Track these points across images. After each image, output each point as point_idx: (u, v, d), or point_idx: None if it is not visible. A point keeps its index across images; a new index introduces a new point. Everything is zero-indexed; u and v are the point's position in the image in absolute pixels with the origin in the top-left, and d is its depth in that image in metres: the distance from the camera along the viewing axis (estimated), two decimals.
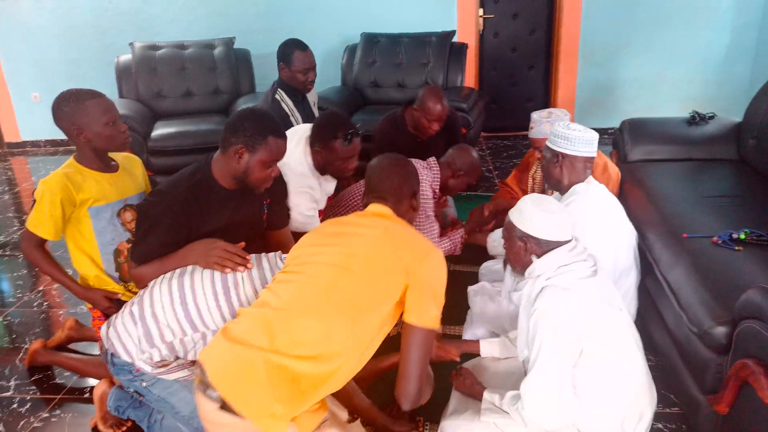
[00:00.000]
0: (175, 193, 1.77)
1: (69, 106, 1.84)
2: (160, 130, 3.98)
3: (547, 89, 5.32)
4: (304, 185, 2.29)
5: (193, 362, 1.66)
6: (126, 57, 4.37)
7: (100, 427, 1.91)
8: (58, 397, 2.11)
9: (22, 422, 2.02)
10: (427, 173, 2.64)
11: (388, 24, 4.79)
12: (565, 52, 5.03)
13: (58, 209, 1.86)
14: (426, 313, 1.45)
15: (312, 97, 3.46)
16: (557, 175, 2.05)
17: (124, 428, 1.91)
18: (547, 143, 2.07)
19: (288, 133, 2.07)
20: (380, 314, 1.45)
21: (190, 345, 1.61)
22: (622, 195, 2.76)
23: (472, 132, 3.98)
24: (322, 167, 2.34)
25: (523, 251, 1.61)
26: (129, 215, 2.03)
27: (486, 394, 1.62)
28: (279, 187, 2.06)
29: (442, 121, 3.00)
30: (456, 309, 2.35)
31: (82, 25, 5.13)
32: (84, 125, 1.85)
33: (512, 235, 1.63)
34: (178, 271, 1.69)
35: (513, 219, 1.63)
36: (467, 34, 5.00)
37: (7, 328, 2.67)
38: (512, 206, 2.90)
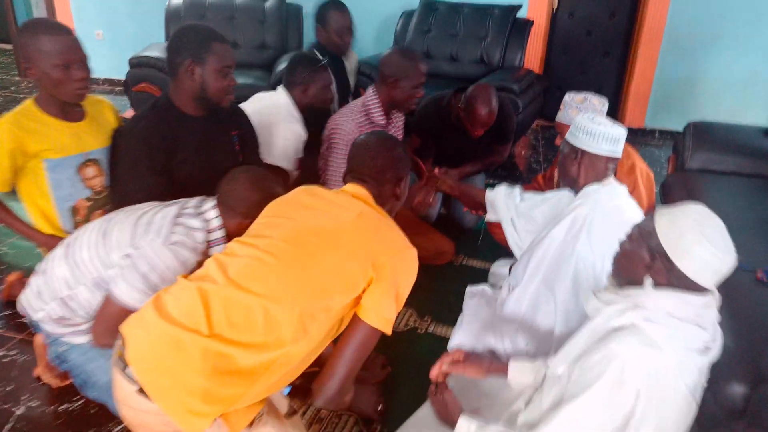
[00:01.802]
0: (142, 124, 1.81)
1: (24, 36, 1.68)
2: None
3: (621, 79, 4.83)
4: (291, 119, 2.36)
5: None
6: (177, 1, 4.30)
7: (44, 377, 1.83)
8: (19, 337, 2.05)
9: None
10: (355, 115, 2.34)
11: None
12: (646, 39, 4.52)
13: (6, 159, 1.71)
14: (382, 313, 1.32)
15: (351, 63, 3.24)
16: (573, 173, 1.76)
17: (69, 381, 1.83)
18: (567, 136, 1.77)
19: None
20: (335, 305, 1.30)
21: (78, 305, 1.51)
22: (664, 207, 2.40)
23: (521, 117, 3.64)
24: (308, 104, 2.40)
25: (643, 266, 1.21)
26: (91, 170, 1.87)
27: (461, 421, 1.33)
28: (243, 119, 2.08)
29: (488, 126, 2.70)
30: (453, 310, 2.12)
31: None
32: (34, 61, 1.66)
33: (641, 239, 1.23)
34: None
35: (660, 229, 1.20)
36: (538, 11, 4.58)
37: None
38: None
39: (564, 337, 1.68)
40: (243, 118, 2.10)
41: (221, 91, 1.82)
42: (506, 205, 2.00)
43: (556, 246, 1.71)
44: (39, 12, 6.53)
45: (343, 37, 2.96)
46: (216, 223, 1.56)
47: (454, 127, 2.82)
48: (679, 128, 4.71)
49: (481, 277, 2.44)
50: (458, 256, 2.74)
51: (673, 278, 1.17)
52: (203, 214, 1.54)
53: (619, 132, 1.71)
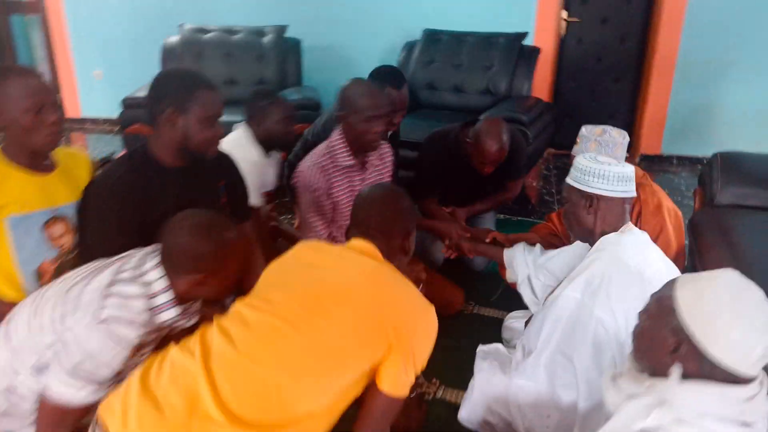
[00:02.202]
0: (114, 178, 1.62)
1: None
2: None
3: (633, 107, 4.65)
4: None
5: None
6: (174, 39, 4.21)
7: None
8: None
9: None
10: (318, 158, 2.13)
11: (456, 20, 4.32)
12: (659, 65, 4.35)
13: None
14: (400, 379, 1.27)
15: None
16: (590, 223, 1.56)
17: None
18: (571, 183, 1.59)
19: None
20: (354, 374, 1.25)
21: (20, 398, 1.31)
22: (694, 250, 2.18)
23: (531, 148, 3.45)
24: (268, 136, 2.32)
25: (667, 352, 1.00)
26: (58, 228, 1.68)
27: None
28: (231, 168, 1.92)
29: (498, 164, 2.49)
30: (464, 370, 1.88)
31: (148, 4, 5.05)
32: (1, 108, 1.51)
33: (661, 317, 1.02)
34: None
35: (683, 307, 0.99)
36: (546, 38, 4.43)
37: None
38: (541, 243, 2.42)
39: (590, 412, 1.45)
40: (230, 166, 1.93)
41: (206, 142, 1.64)
42: (525, 261, 1.81)
43: (571, 308, 1.49)
44: (41, 53, 6.51)
45: (390, 118, 2.38)
46: (160, 285, 1.34)
47: (462, 164, 2.63)
48: (698, 154, 4.56)
49: (495, 328, 2.22)
50: (468, 304, 2.52)
51: (706, 367, 0.96)
52: (143, 277, 1.33)
53: (630, 169, 1.55)
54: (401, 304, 1.30)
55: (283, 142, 2.42)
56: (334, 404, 1.24)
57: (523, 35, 4.00)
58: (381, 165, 2.31)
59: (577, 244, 1.68)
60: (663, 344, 1.01)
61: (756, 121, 4.31)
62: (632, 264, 1.46)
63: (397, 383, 1.26)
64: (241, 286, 1.89)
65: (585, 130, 2.12)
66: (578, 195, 1.56)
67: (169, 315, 1.35)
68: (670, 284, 1.05)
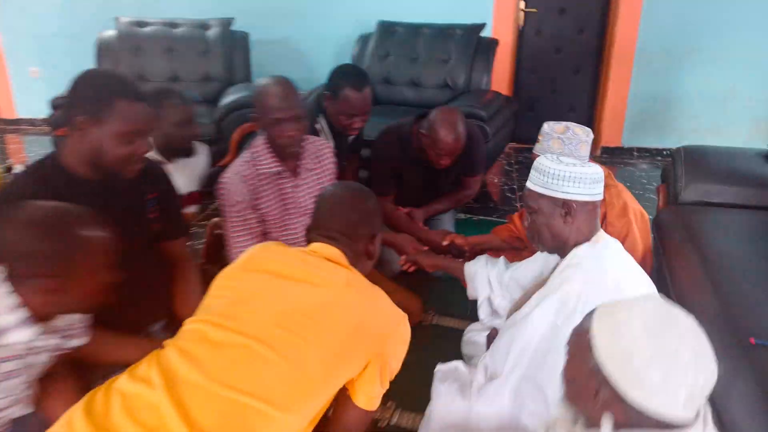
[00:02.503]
0: (15, 193, 1.39)
1: None
2: None
3: (594, 98, 4.57)
4: None
5: None
6: (110, 33, 3.91)
7: None
8: None
9: None
10: (240, 167, 1.91)
11: (412, 11, 4.15)
12: (618, 55, 4.28)
13: None
14: (376, 394, 1.25)
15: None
16: (565, 233, 1.40)
17: None
18: (539, 189, 1.41)
19: None
20: (332, 392, 1.18)
21: None
22: (659, 252, 2.07)
23: (491, 145, 3.32)
24: (166, 142, 2.06)
25: (589, 397, 0.88)
26: None
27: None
28: (161, 178, 1.71)
29: (454, 155, 2.34)
30: (420, 391, 1.72)
31: None
32: None
33: (580, 357, 0.89)
34: None
35: (598, 345, 0.86)
36: (504, 30, 4.31)
37: None
38: (501, 248, 2.28)
39: None
40: (160, 176, 1.72)
41: (121, 160, 1.43)
42: (486, 278, 1.66)
43: (543, 332, 1.34)
44: None
45: (352, 120, 2.31)
46: (9, 302, 1.12)
47: (417, 160, 2.47)
48: (659, 145, 4.52)
49: (457, 340, 2.07)
50: (427, 312, 2.37)
51: (632, 414, 0.84)
52: None
53: (600, 169, 1.41)
54: (378, 317, 1.23)
55: (184, 147, 2.16)
56: (308, 424, 1.15)
57: (481, 26, 3.86)
58: (318, 168, 2.08)
59: (545, 254, 1.53)
60: (585, 388, 0.88)
61: (715, 109, 4.28)
62: (610, 281, 1.32)
63: (372, 397, 1.24)
64: (172, 312, 1.71)
65: (547, 127, 1.99)
66: (551, 204, 1.38)
67: (21, 336, 1.13)
68: (589, 315, 0.91)
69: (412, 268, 2.24)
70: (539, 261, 1.61)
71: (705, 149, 2.40)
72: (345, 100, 2.23)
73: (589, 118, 4.62)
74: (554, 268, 1.51)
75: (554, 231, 1.40)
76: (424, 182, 2.57)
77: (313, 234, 1.35)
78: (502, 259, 1.79)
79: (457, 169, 2.58)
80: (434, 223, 2.70)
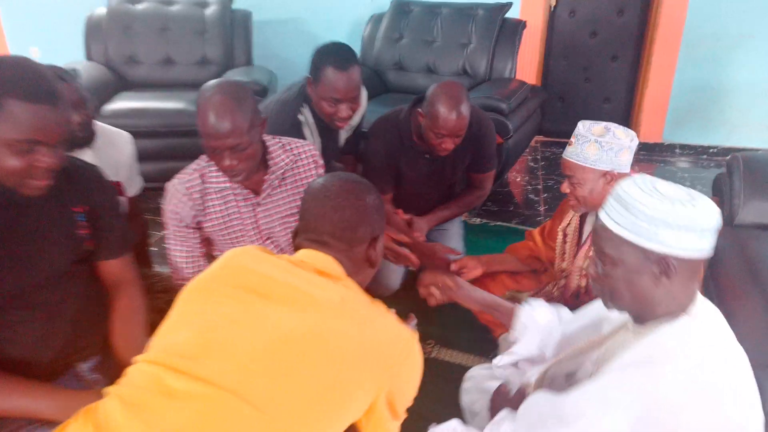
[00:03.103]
0: None
1: None
2: (116, 104, 3.19)
3: (633, 88, 4.11)
4: None
5: None
6: (100, 11, 3.61)
7: None
8: None
9: None
10: (185, 182, 1.56)
11: None
12: (662, 41, 3.81)
13: None
14: (388, 428, 1.02)
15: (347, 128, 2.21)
16: (653, 297, 0.98)
17: None
18: (621, 233, 0.97)
19: None
20: None
21: None
22: (710, 287, 1.70)
23: (513, 141, 2.93)
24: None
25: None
26: None
27: None
28: (95, 186, 1.37)
29: (458, 137, 1.98)
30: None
31: None
32: None
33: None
34: None
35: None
36: (533, 11, 3.88)
37: None
38: (518, 270, 1.88)
39: None
40: (92, 185, 1.39)
41: (13, 174, 1.13)
42: (540, 337, 1.29)
43: None
44: None
45: (337, 107, 1.90)
46: None
47: (418, 149, 2.14)
48: (704, 142, 4.06)
49: (458, 377, 1.73)
50: (426, 343, 2.03)
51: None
52: None
53: (711, 205, 0.96)
54: (381, 342, 0.98)
55: (75, 136, 1.79)
56: None
57: (507, 6, 3.44)
58: (293, 184, 1.64)
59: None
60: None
61: (766, 101, 3.79)
62: (705, 388, 0.90)
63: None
64: (107, 347, 1.41)
65: (582, 127, 1.61)
66: (639, 256, 0.96)
67: None
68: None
69: (434, 301, 1.67)
70: (594, 310, 1.25)
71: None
72: (326, 82, 1.85)
73: (627, 110, 4.17)
74: (619, 326, 1.14)
75: (638, 292, 0.99)
76: (426, 178, 2.22)
77: (300, 238, 1.11)
78: (565, 312, 1.40)
79: (465, 162, 2.24)
80: (438, 234, 2.34)
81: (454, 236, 2.35)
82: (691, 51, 3.80)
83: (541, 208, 3.24)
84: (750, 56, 3.72)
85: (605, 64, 4.11)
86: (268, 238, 1.59)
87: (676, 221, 0.92)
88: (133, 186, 2.08)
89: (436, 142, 1.98)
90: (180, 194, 1.52)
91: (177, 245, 1.56)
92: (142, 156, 2.18)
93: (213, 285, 1.01)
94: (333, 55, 1.87)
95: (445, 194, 2.36)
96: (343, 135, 2.21)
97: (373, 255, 1.13)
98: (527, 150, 3.96)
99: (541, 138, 4.25)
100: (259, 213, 1.59)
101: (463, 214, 2.98)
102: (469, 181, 2.38)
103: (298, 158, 1.63)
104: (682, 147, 4.06)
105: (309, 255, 1.06)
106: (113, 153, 1.96)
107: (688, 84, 3.89)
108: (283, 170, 1.59)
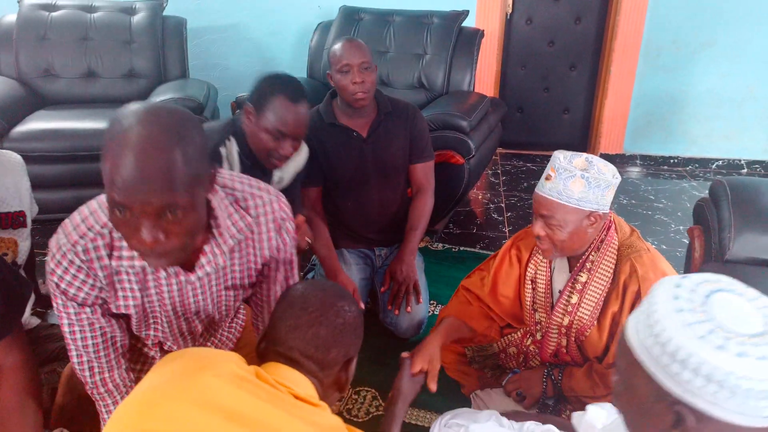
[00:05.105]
0: None
1: None
2: (28, 125, 2.79)
3: (592, 98, 3.99)
4: None
5: None
6: (10, 17, 3.19)
7: None
8: None
9: None
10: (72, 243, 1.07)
11: None
12: (621, 49, 3.68)
13: None
14: None
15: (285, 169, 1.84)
16: None
17: None
18: (650, 367, 0.73)
19: None
20: None
21: None
22: None
23: (476, 159, 2.71)
24: None
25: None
26: None
27: None
28: None
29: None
30: None
31: None
32: None
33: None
34: None
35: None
36: (488, 18, 3.68)
37: None
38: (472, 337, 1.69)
39: None
40: None
41: None
42: None
43: None
44: None
45: (281, 143, 1.61)
46: None
47: (343, 128, 2.04)
48: (665, 153, 3.96)
49: None
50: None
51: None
52: None
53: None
54: None
55: None
56: None
57: (464, 14, 3.22)
58: (243, 250, 1.16)
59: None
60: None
61: (731, 113, 3.73)
62: None
63: None
64: None
65: (563, 159, 1.39)
66: (666, 405, 0.72)
67: None
68: None
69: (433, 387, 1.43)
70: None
71: (757, 185, 1.80)
72: (274, 112, 1.56)
73: (587, 120, 4.04)
74: None
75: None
76: (356, 166, 2.04)
77: (269, 350, 1.00)
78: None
79: (400, 146, 2.08)
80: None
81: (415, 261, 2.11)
82: (651, 60, 3.69)
83: (506, 229, 3.03)
84: (710, 65, 3.63)
85: (564, 73, 3.96)
86: (196, 313, 1.21)
87: (729, 380, 0.68)
88: (33, 212, 1.80)
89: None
90: (71, 265, 1.04)
91: (75, 331, 1.14)
92: (60, 183, 1.86)
93: (168, 396, 0.84)
94: (286, 85, 1.61)
95: (397, 195, 2.15)
96: (277, 181, 1.86)
97: (343, 378, 1.04)
98: (488, 167, 3.76)
99: (500, 150, 4.07)
100: (189, 292, 1.15)
101: (425, 238, 2.75)
102: (412, 181, 2.16)
103: (257, 222, 1.14)
104: (643, 158, 3.96)
105: (281, 372, 0.95)
106: (13, 178, 1.67)
107: (648, 93, 3.79)
108: (233, 244, 1.11)
